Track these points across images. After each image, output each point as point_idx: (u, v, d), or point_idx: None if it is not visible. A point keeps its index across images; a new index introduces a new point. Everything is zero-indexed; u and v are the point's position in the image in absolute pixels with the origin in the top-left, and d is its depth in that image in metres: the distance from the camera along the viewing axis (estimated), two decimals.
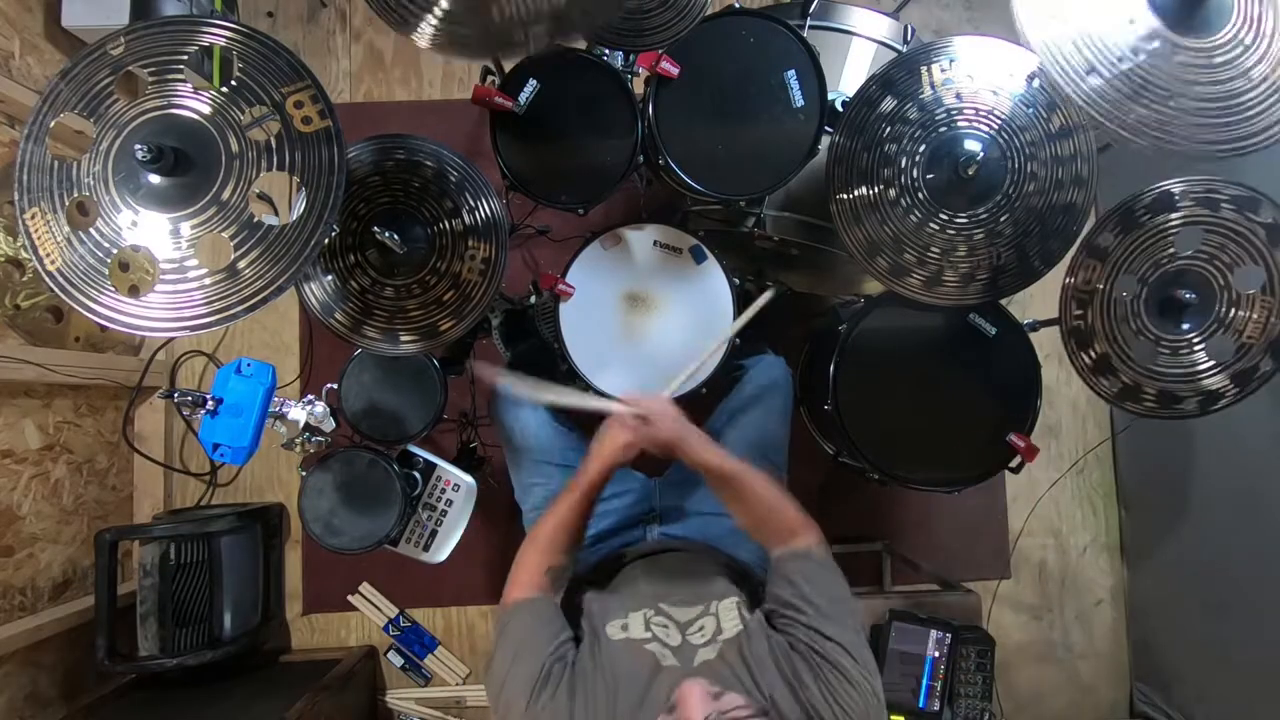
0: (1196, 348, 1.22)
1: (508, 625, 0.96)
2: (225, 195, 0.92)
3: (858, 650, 0.88)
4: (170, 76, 0.93)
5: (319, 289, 1.18)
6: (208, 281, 0.91)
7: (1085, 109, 0.94)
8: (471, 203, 1.17)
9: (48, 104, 0.93)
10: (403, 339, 1.18)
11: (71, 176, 0.92)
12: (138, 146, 0.87)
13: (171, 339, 1.97)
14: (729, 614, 0.96)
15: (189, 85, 0.93)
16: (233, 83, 0.93)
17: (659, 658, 0.90)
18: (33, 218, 0.92)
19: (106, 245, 0.92)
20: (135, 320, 0.91)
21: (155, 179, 0.91)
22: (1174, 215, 1.20)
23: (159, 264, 0.91)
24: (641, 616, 0.97)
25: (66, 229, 0.92)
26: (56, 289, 0.91)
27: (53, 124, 0.93)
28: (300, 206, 0.92)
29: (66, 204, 0.92)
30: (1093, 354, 1.22)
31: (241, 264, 0.91)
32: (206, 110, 0.93)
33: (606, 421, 1.13)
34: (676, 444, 1.07)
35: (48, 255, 0.92)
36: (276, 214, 0.97)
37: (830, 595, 0.93)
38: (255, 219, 0.92)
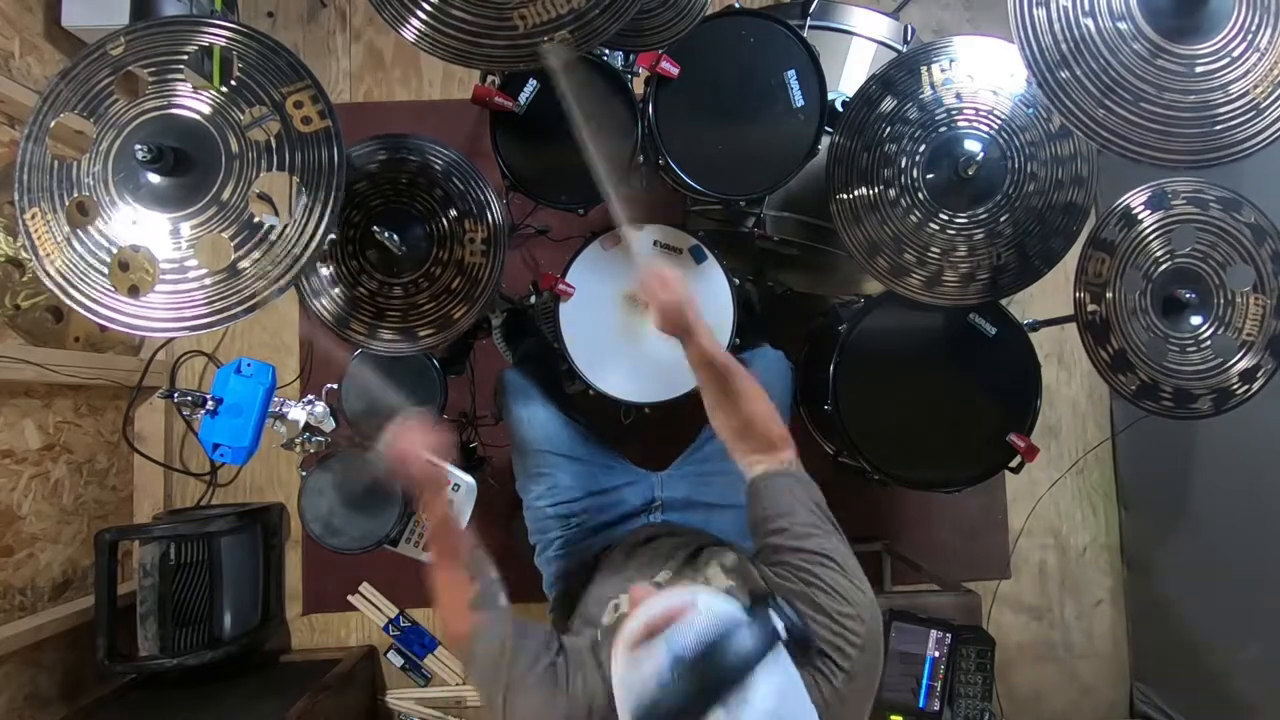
0: (1204, 345, 1.23)
1: (474, 652, 0.91)
2: (225, 195, 0.92)
3: (844, 558, 0.88)
4: (170, 76, 0.93)
5: (328, 301, 1.18)
6: (208, 281, 0.91)
7: (1052, 102, 0.95)
8: (461, 187, 1.18)
9: (48, 104, 0.93)
10: (420, 334, 1.19)
11: (71, 176, 0.92)
12: (138, 146, 0.87)
13: (171, 339, 1.97)
14: (717, 576, 0.95)
15: (189, 85, 0.93)
16: (232, 83, 0.93)
17: None
18: (33, 218, 0.92)
19: (106, 245, 0.92)
20: (135, 320, 0.91)
21: (155, 179, 0.91)
22: (1169, 213, 1.22)
23: (159, 264, 0.91)
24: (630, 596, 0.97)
25: (66, 229, 0.92)
26: (56, 289, 0.91)
27: (53, 124, 0.93)
28: (300, 206, 0.92)
29: (66, 204, 0.92)
30: (1111, 349, 1.23)
31: (242, 264, 0.91)
32: (206, 110, 0.93)
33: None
34: (686, 322, 1.01)
35: (47, 255, 0.92)
36: (276, 214, 0.97)
37: (807, 504, 0.93)
38: (255, 219, 0.92)
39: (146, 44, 0.94)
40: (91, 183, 0.92)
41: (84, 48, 0.94)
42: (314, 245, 0.91)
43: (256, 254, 0.91)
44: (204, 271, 0.91)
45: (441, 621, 1.00)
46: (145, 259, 0.92)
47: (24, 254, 1.53)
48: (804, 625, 0.71)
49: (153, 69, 0.93)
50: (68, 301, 0.91)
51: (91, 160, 0.92)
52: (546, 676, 0.84)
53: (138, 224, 0.92)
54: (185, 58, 0.93)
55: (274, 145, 0.93)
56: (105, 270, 0.91)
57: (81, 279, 0.91)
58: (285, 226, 0.92)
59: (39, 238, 0.92)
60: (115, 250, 0.91)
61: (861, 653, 0.82)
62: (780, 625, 0.68)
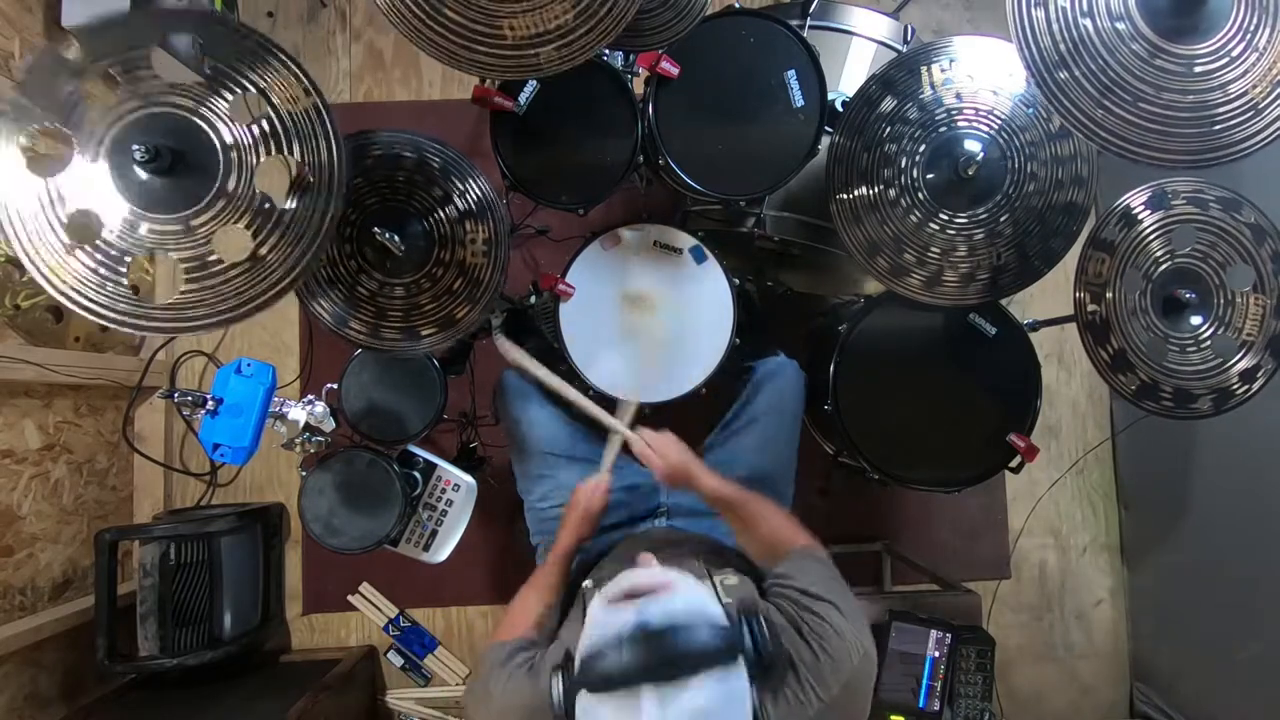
0: (1204, 345, 1.23)
1: (488, 656, 0.96)
2: (230, 187, 0.92)
3: (849, 612, 0.86)
4: (143, 73, 0.91)
5: (327, 302, 1.16)
6: (233, 273, 0.92)
7: (1051, 103, 0.95)
8: (460, 186, 1.16)
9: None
10: (423, 334, 1.18)
11: (73, 183, 0.91)
12: (134, 147, 0.86)
13: (173, 338, 1.97)
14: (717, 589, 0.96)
15: (168, 82, 0.91)
16: (208, 72, 0.92)
17: None
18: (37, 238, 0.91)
19: (120, 253, 0.91)
20: (173, 324, 0.92)
21: (160, 182, 0.90)
22: (1169, 213, 1.22)
23: (180, 264, 0.91)
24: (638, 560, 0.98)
25: (72, 243, 0.91)
26: (96, 319, 0.91)
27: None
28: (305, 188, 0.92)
29: (68, 218, 0.91)
30: (1111, 349, 1.23)
31: (263, 250, 0.92)
32: (191, 104, 0.91)
33: (578, 489, 1.21)
34: (688, 479, 1.14)
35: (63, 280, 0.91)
36: (281, 198, 0.96)
37: (826, 579, 0.92)
38: (266, 205, 0.92)
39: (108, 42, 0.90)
40: (99, 190, 0.90)
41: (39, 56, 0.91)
42: (327, 226, 0.92)
43: (274, 238, 0.92)
44: (227, 264, 0.92)
45: (508, 609, 1.11)
46: (157, 260, 0.91)
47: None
48: (776, 652, 0.73)
49: (123, 67, 0.90)
50: (114, 326, 0.91)
51: (94, 168, 0.91)
52: (523, 669, 0.89)
53: (149, 227, 0.91)
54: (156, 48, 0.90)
55: (266, 129, 0.92)
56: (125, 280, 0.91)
57: (107, 297, 0.91)
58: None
59: (50, 267, 0.91)
60: (133, 257, 0.91)
61: (844, 690, 0.80)
62: (749, 643, 0.70)
